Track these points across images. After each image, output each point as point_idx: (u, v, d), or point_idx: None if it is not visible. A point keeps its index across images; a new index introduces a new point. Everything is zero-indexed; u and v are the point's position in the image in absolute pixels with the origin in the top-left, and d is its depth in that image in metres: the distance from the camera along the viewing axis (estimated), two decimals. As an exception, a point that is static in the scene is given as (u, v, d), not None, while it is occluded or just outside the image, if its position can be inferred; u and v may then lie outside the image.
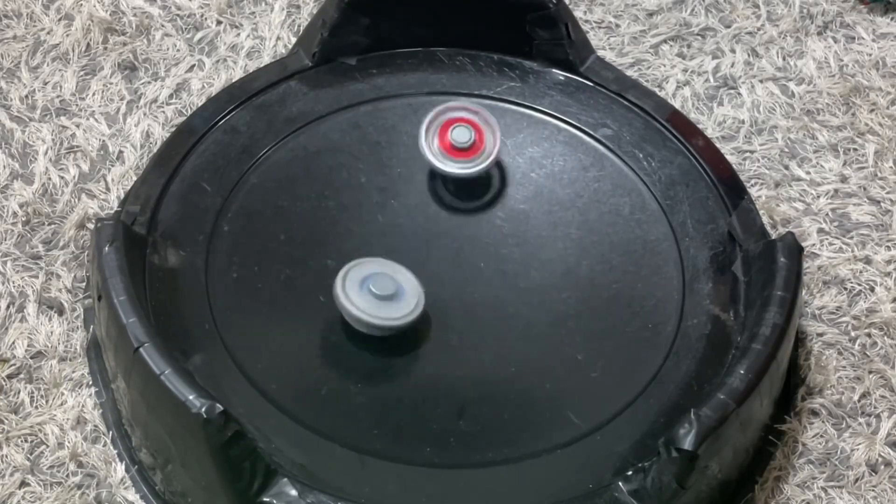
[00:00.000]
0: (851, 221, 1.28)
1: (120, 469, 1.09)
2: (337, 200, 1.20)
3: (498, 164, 1.23)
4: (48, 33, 1.38)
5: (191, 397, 0.98)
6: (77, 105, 1.33)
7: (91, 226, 1.21)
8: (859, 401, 1.17)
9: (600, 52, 1.36)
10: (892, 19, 1.46)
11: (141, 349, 1.01)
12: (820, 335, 1.20)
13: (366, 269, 1.10)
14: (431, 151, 1.19)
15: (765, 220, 1.23)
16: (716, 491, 1.06)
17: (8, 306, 1.18)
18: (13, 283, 1.20)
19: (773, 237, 1.18)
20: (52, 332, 1.17)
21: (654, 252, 1.18)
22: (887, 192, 1.30)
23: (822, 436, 1.14)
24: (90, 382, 1.14)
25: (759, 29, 1.43)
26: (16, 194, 1.26)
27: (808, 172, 1.32)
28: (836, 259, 1.25)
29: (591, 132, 1.25)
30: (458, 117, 1.20)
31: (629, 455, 1.05)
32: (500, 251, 1.18)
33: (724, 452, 1.04)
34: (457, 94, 1.27)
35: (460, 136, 1.19)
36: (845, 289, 1.24)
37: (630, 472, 1.03)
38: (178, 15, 1.41)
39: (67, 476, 1.09)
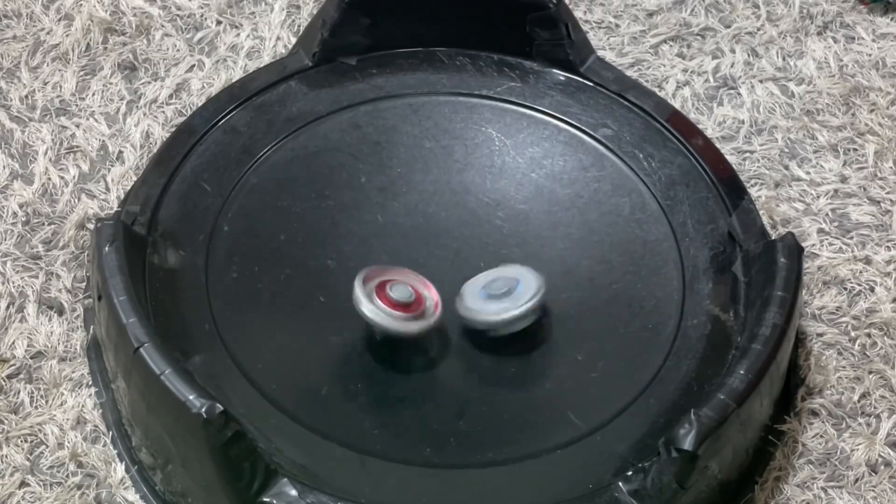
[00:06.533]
0: (851, 221, 1.28)
1: (120, 469, 1.09)
2: (337, 200, 1.20)
3: (497, 164, 1.23)
4: (48, 33, 1.38)
5: (191, 397, 0.98)
6: (77, 105, 1.33)
7: (91, 226, 1.21)
8: (859, 401, 1.17)
9: (600, 52, 1.36)
10: (892, 19, 1.46)
11: (141, 349, 1.01)
12: (820, 335, 1.20)
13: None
14: (375, 306, 1.08)
15: (765, 220, 1.23)
16: (716, 491, 1.06)
17: (8, 306, 1.18)
18: (13, 283, 1.20)
19: (773, 237, 1.18)
20: (52, 332, 1.17)
21: (654, 252, 1.18)
22: (887, 192, 1.30)
23: (821, 436, 1.14)
24: (90, 382, 1.14)
25: (759, 29, 1.43)
26: (16, 194, 1.26)
27: (808, 172, 1.32)
28: (836, 259, 1.25)
29: (592, 132, 1.25)
30: (393, 278, 1.11)
31: (629, 455, 1.05)
32: (500, 251, 1.18)
33: (724, 452, 1.04)
34: (457, 93, 1.27)
35: (400, 293, 1.09)
36: (845, 289, 1.24)
37: (630, 472, 1.03)
38: (178, 15, 1.41)
39: (67, 476, 1.09)
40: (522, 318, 1.10)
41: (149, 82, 1.35)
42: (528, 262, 1.17)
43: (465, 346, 1.12)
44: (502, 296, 1.11)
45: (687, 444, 0.99)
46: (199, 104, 1.30)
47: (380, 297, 1.08)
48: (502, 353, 1.12)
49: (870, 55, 1.42)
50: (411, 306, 1.09)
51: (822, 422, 1.15)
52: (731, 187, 1.21)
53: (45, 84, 1.34)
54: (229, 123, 1.23)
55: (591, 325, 1.14)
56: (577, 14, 1.39)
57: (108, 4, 1.41)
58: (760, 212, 1.22)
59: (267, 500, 0.99)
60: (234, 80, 1.32)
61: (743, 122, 1.35)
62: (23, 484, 1.09)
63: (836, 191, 1.30)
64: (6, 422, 1.12)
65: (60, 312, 1.18)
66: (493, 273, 1.13)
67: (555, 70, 1.29)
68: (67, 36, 1.38)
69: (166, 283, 1.12)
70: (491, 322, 1.11)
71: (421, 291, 1.11)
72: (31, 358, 1.16)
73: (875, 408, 1.16)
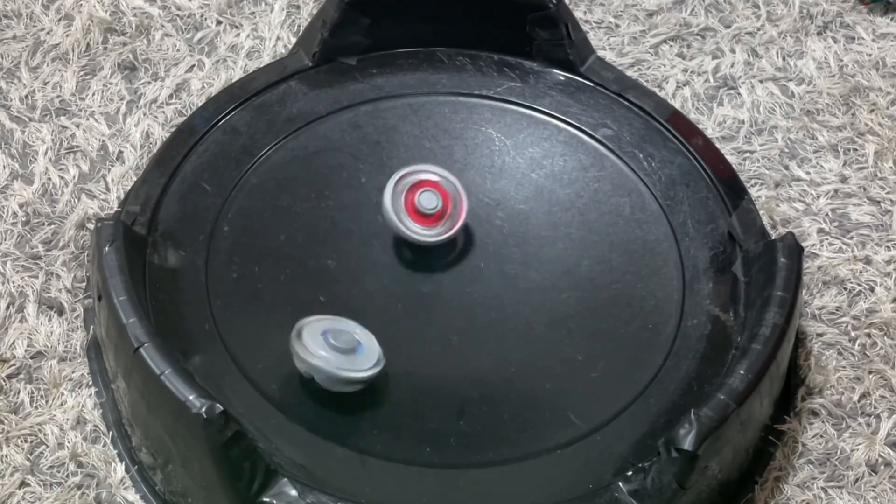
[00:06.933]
0: (851, 221, 1.28)
1: (120, 469, 1.09)
2: (337, 200, 1.20)
3: (497, 164, 1.23)
4: (48, 33, 1.38)
5: (191, 397, 0.98)
6: (77, 105, 1.33)
7: (91, 226, 1.21)
8: (859, 401, 1.17)
9: (600, 52, 1.36)
10: (892, 19, 1.46)
11: (141, 349, 1.01)
12: (820, 335, 1.20)
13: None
14: (397, 214, 1.14)
15: (765, 220, 1.23)
16: (716, 491, 1.06)
17: (8, 306, 1.18)
18: (13, 283, 1.20)
19: (773, 237, 1.18)
20: (52, 332, 1.17)
21: (654, 252, 1.18)
22: (887, 192, 1.30)
23: (822, 436, 1.14)
24: (90, 382, 1.14)
25: (759, 29, 1.43)
26: (16, 194, 1.26)
27: (808, 172, 1.32)
28: (836, 259, 1.25)
29: (592, 132, 1.25)
30: (426, 180, 1.16)
31: (629, 455, 1.05)
32: (500, 251, 1.18)
33: (724, 452, 1.04)
34: (457, 93, 1.27)
35: (428, 201, 1.15)
36: (845, 289, 1.24)
37: (630, 472, 1.03)
38: (178, 15, 1.41)
39: (67, 476, 1.09)
40: (354, 383, 1.05)
41: (149, 82, 1.35)
42: (528, 262, 1.17)
43: (465, 345, 1.12)
44: (343, 351, 1.05)
45: (687, 444, 0.99)
46: (199, 104, 1.30)
47: (406, 201, 1.13)
48: (502, 353, 1.12)
49: (870, 55, 1.42)
50: (431, 217, 1.13)
51: (822, 422, 1.15)
52: (731, 187, 1.21)
53: (45, 84, 1.34)
54: (229, 123, 1.23)
55: (591, 325, 1.14)
56: (577, 14, 1.39)
57: (108, 4, 1.41)
58: (760, 212, 1.22)
59: (267, 500, 0.99)
60: (234, 80, 1.32)
61: (743, 122, 1.35)
62: (23, 484, 1.09)
63: (836, 191, 1.30)
64: (6, 422, 1.12)
65: (60, 312, 1.18)
66: (336, 323, 1.08)
67: (555, 70, 1.29)
68: (67, 36, 1.38)
69: (166, 283, 1.12)
70: (329, 373, 1.04)
71: (450, 204, 1.15)
72: (31, 358, 1.16)
73: (875, 408, 1.16)
